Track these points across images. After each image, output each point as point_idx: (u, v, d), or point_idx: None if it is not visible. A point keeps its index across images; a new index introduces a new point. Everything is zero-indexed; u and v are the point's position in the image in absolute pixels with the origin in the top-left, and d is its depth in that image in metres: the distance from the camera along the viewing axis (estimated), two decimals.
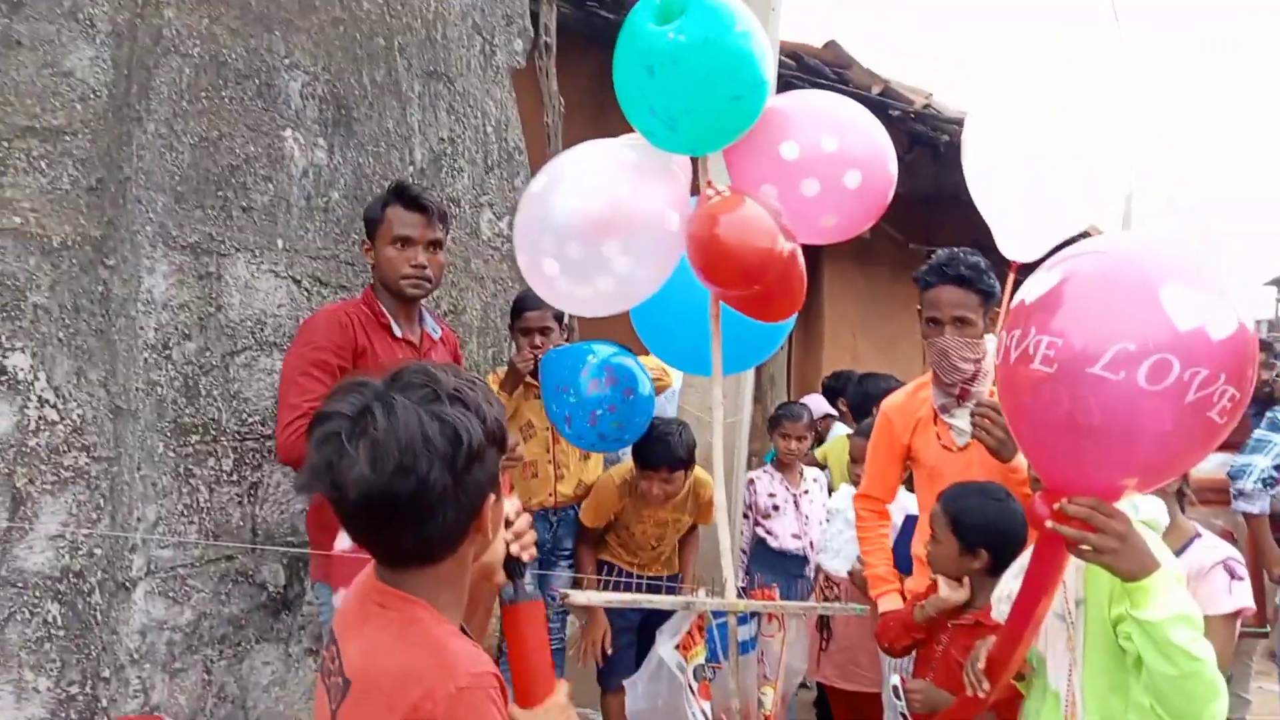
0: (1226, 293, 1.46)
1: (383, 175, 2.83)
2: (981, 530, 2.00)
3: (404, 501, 1.03)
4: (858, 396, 4.44)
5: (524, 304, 2.98)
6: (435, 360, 2.47)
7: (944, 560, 2.03)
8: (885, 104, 4.66)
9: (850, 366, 8.57)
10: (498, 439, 1.11)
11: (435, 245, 2.38)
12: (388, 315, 2.37)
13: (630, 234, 2.07)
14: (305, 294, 2.60)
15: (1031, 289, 1.60)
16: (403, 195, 2.34)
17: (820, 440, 5.34)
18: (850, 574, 2.97)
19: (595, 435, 2.60)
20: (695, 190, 2.30)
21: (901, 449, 2.46)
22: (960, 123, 5.15)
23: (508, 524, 1.28)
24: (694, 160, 2.29)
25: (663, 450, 2.81)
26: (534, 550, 1.31)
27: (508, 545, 1.27)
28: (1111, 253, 1.59)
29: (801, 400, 5.77)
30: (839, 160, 2.14)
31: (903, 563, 2.66)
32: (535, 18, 3.69)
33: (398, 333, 2.38)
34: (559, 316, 2.98)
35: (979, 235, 7.66)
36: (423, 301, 2.49)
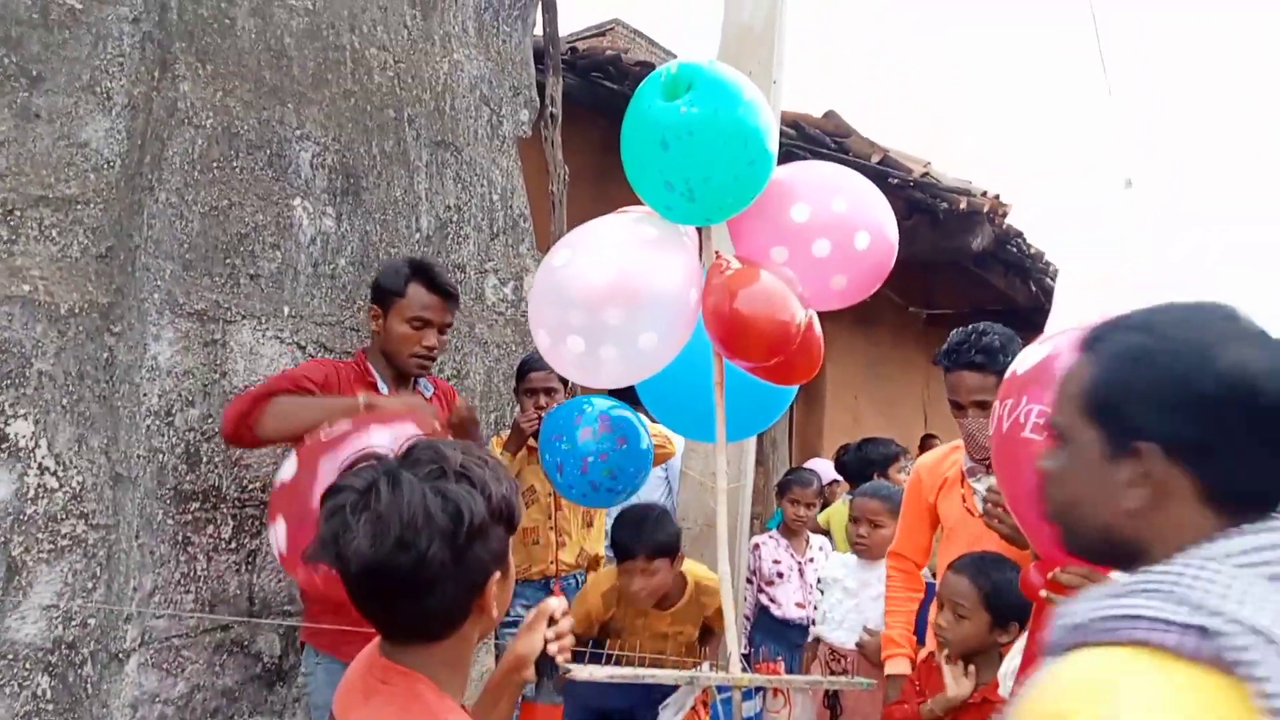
0: None
1: (389, 243, 2.86)
2: (1019, 604, 1.97)
3: (403, 576, 1.04)
4: (857, 462, 4.42)
5: (529, 365, 2.99)
6: None
7: (970, 636, 1.99)
8: (885, 172, 4.74)
9: (851, 427, 8.56)
10: (504, 517, 1.12)
11: (446, 327, 2.43)
12: (374, 374, 2.40)
13: (653, 311, 2.08)
14: (309, 360, 2.60)
15: (1023, 361, 1.68)
16: (428, 278, 2.36)
17: (825, 505, 5.29)
18: (858, 645, 2.92)
19: (586, 484, 2.53)
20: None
21: (929, 507, 2.47)
22: (958, 191, 5.25)
23: (552, 622, 1.31)
24: (699, 230, 2.32)
25: (634, 535, 2.56)
26: (570, 655, 1.32)
27: (546, 642, 1.29)
28: None
29: (809, 465, 5.74)
30: (849, 221, 2.17)
31: (922, 630, 2.62)
32: (541, 88, 3.77)
33: (384, 391, 2.39)
34: (564, 378, 2.99)
35: (976, 298, 7.68)
36: None
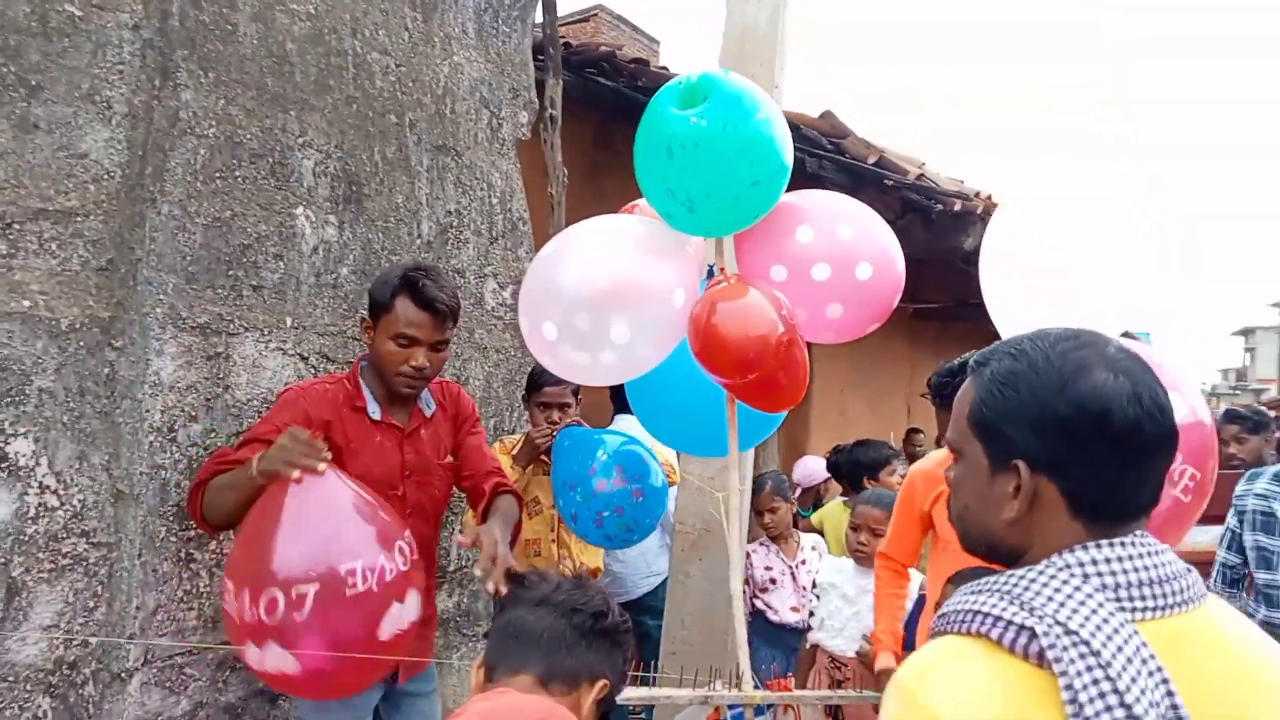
0: (1180, 387, 1.68)
1: (391, 250, 2.82)
2: None
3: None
4: (849, 465, 4.42)
5: (542, 378, 2.96)
6: (425, 439, 2.34)
7: None
8: (880, 174, 4.74)
9: (839, 422, 8.58)
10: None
11: (441, 345, 2.24)
12: (364, 398, 2.25)
13: (633, 308, 2.07)
14: (312, 370, 2.57)
15: None
16: (415, 292, 2.16)
17: (819, 503, 5.30)
18: (859, 654, 2.93)
19: (601, 536, 2.57)
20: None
21: (922, 515, 2.48)
22: (952, 194, 5.25)
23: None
24: (707, 241, 2.30)
25: None
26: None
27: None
28: None
29: (799, 463, 5.74)
30: (852, 250, 2.15)
31: (912, 638, 2.66)
32: (540, 89, 3.73)
33: (375, 415, 2.26)
34: (576, 391, 2.97)
35: (961, 292, 7.69)
36: None
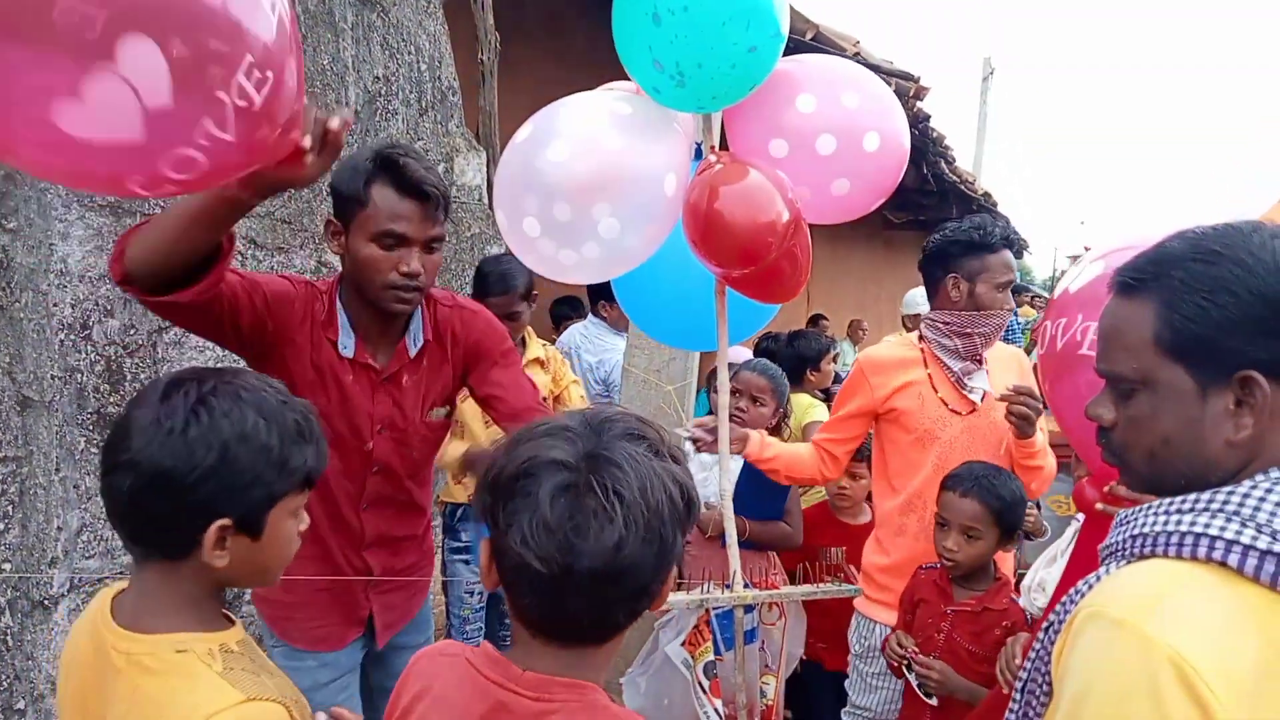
0: None
1: None
2: (1021, 511, 1.99)
3: (642, 572, 0.84)
4: (790, 358, 4.31)
5: (488, 284, 2.66)
6: (407, 387, 1.80)
7: (982, 555, 1.98)
8: (817, 48, 4.54)
9: None
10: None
11: (435, 243, 1.70)
12: (337, 325, 1.71)
13: (622, 197, 1.87)
14: (239, 257, 2.26)
15: (1074, 279, 1.61)
16: (398, 175, 1.63)
17: None
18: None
19: None
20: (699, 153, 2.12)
21: (876, 404, 2.33)
22: (892, 73, 5.12)
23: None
24: (696, 118, 2.10)
25: None
26: None
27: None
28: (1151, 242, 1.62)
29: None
30: (859, 119, 1.99)
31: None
32: None
33: (346, 352, 1.72)
34: (527, 293, 2.71)
35: None
36: None
